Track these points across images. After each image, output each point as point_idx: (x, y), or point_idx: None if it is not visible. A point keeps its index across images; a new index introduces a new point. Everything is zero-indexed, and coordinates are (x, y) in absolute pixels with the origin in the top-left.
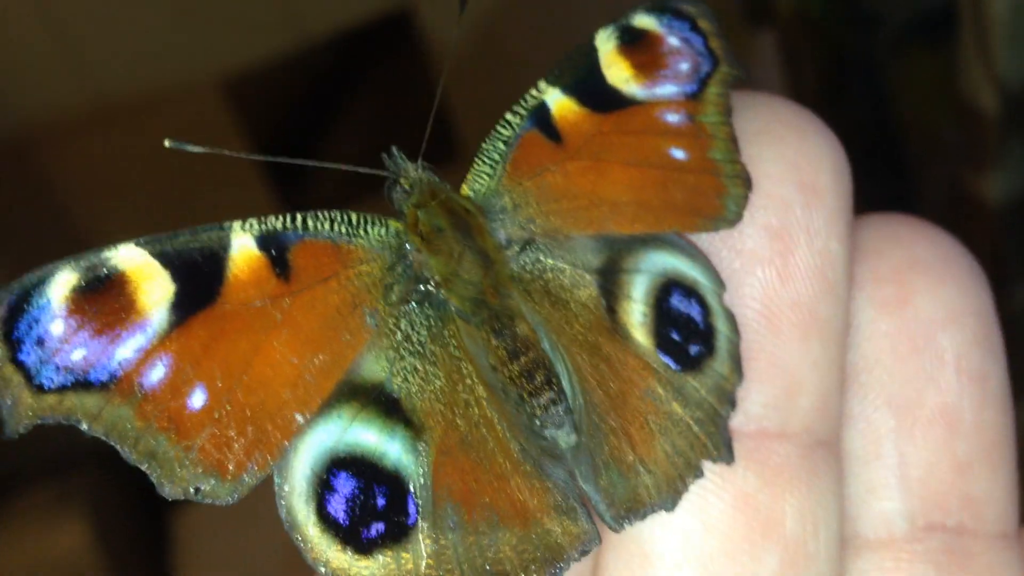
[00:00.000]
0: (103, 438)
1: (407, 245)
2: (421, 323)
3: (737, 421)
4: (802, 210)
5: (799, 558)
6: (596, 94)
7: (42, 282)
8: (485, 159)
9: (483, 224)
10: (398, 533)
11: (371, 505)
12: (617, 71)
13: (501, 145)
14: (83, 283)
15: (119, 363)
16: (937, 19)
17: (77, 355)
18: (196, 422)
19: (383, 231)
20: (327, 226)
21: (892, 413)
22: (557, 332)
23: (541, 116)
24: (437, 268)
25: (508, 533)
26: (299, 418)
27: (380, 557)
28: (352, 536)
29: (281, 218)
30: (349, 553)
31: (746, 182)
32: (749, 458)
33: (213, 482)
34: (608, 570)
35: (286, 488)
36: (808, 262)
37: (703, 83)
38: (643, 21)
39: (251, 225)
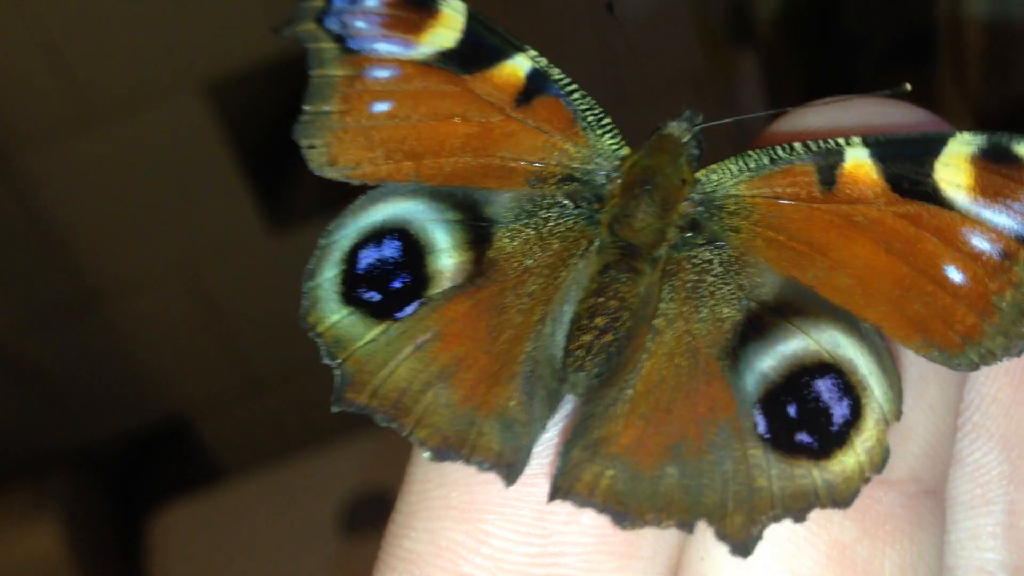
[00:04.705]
0: None
1: (618, 163)
2: (567, 215)
3: None
4: None
5: None
6: (906, 177)
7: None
8: (742, 161)
9: (680, 198)
10: (387, 309)
11: (391, 274)
12: (952, 173)
13: (766, 160)
14: None
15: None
16: (920, 41)
17: None
18: None
19: (615, 140)
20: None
21: (1005, 457)
22: (666, 320)
23: (828, 160)
24: (615, 194)
25: (454, 395)
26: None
27: (372, 325)
28: (357, 291)
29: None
30: (355, 309)
31: (1012, 349)
32: None
33: None
34: None
35: None
36: None
37: None
38: None
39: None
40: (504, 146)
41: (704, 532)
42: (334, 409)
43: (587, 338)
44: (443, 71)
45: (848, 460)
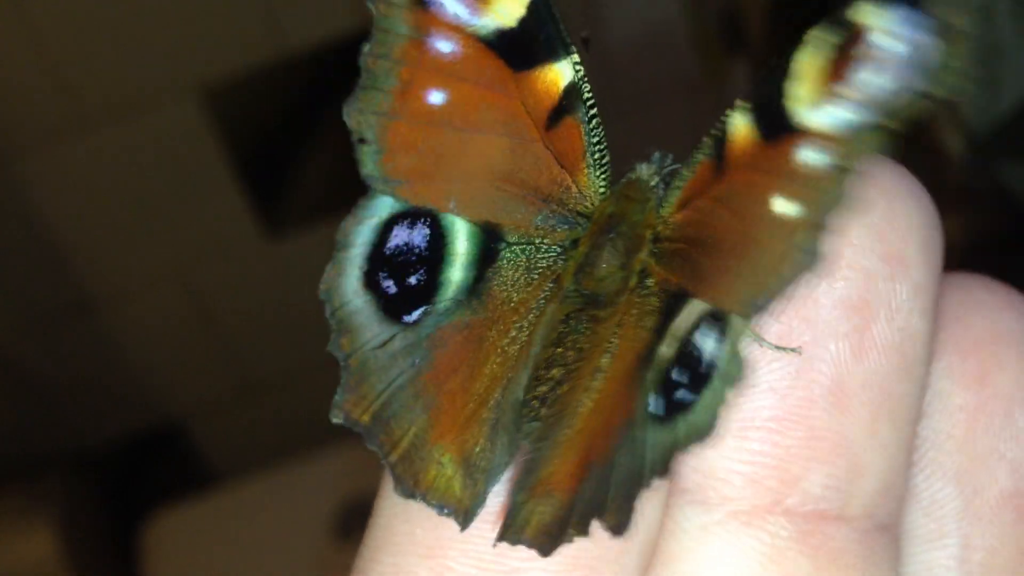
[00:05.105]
0: None
1: (595, 207)
2: (552, 254)
3: (793, 501)
4: (885, 283)
5: None
6: (768, 117)
7: None
8: (672, 181)
9: (644, 245)
10: (398, 306)
11: (411, 266)
12: (806, 86)
13: (687, 172)
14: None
15: None
16: None
17: None
18: None
19: (605, 183)
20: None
21: (959, 493)
22: (612, 356)
23: (720, 142)
24: (583, 240)
25: (432, 432)
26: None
27: (381, 322)
28: (378, 275)
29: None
30: (372, 296)
31: (814, 259)
32: (803, 541)
33: None
34: None
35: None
36: (886, 339)
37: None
38: (861, 14)
39: None
40: (527, 177)
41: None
42: (334, 420)
43: (543, 389)
44: (498, 61)
45: (711, 393)
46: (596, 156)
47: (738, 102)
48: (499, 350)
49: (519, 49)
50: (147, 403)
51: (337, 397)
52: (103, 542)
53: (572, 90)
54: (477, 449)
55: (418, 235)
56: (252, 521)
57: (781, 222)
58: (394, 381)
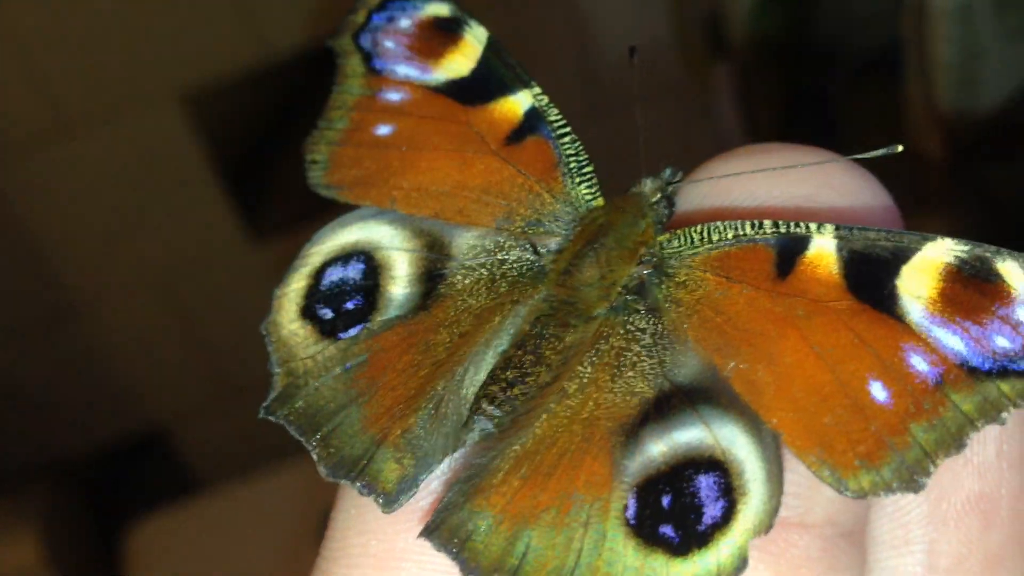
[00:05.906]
0: None
1: (582, 214)
2: (522, 260)
3: None
4: None
5: None
6: (867, 276)
7: None
8: (706, 231)
9: (633, 260)
10: (335, 328)
11: (347, 295)
12: (918, 281)
13: (730, 234)
14: None
15: None
16: (891, 58)
17: None
18: None
19: (591, 191)
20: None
21: (925, 498)
22: (579, 383)
23: (790, 245)
24: (567, 246)
25: (360, 420)
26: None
27: (317, 341)
28: (315, 306)
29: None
30: (308, 323)
31: (911, 485)
32: (764, 549)
33: None
34: None
35: None
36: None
37: (1003, 364)
38: (1008, 269)
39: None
40: (481, 182)
41: None
42: (260, 416)
43: (495, 388)
44: (448, 100)
45: (703, 562)
46: (572, 165)
47: (829, 227)
48: (446, 348)
49: (470, 92)
50: (130, 409)
51: (266, 401)
52: (87, 549)
53: (534, 113)
54: (410, 437)
55: (351, 270)
56: (236, 527)
57: (881, 415)
58: (324, 380)
